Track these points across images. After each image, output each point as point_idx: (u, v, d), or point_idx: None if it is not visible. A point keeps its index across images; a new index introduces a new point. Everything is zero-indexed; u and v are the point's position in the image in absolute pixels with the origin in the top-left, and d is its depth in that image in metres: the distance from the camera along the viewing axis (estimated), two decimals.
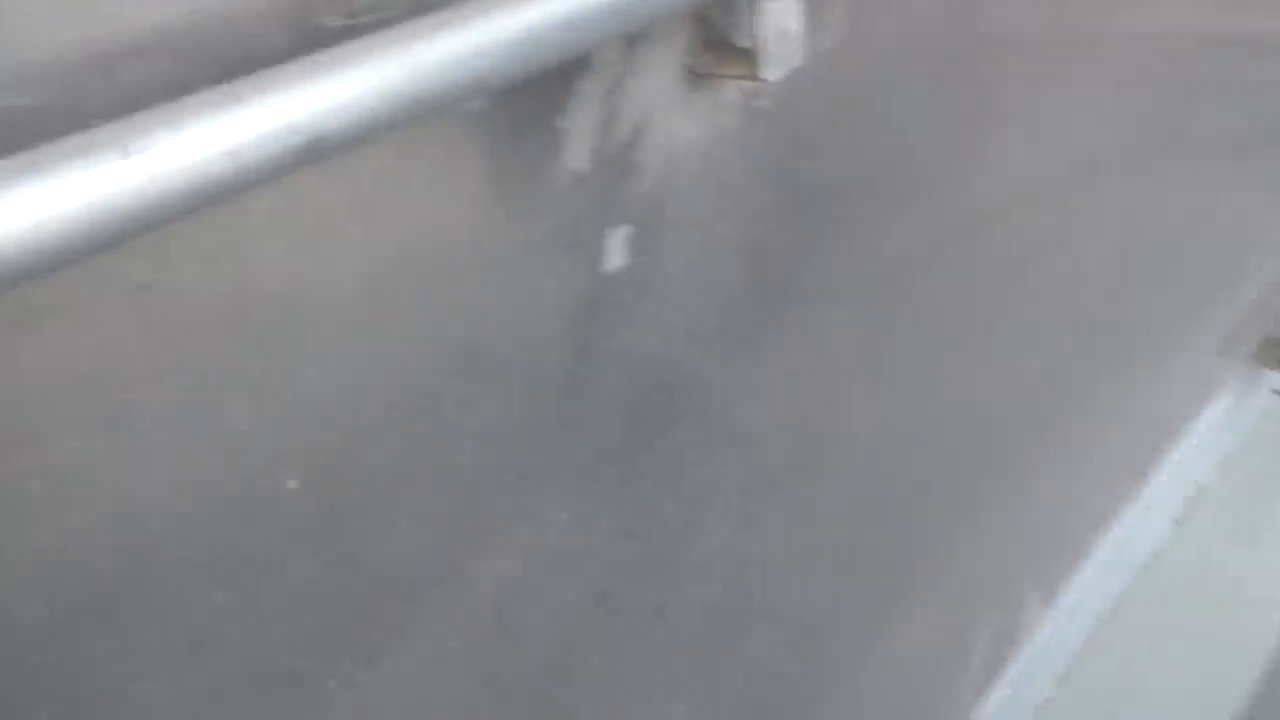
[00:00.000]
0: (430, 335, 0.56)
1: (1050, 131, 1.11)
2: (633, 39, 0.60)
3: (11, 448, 0.42)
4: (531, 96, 0.56)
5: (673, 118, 0.64)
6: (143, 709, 0.49)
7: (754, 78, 0.65)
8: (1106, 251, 1.34)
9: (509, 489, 0.63)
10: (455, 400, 0.58)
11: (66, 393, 0.43)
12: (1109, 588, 1.62)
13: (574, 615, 0.71)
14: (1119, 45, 1.19)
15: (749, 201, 0.73)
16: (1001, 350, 1.18)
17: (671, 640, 0.81)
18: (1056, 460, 1.39)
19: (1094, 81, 1.16)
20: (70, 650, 0.46)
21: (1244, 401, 2.01)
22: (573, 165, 0.59)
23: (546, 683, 0.71)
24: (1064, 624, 1.49)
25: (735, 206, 0.72)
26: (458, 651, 0.63)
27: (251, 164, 0.38)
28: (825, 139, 0.79)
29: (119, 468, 0.45)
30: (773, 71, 0.65)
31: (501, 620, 0.65)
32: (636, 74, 0.61)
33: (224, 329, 0.46)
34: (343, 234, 0.50)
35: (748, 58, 0.64)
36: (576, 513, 0.68)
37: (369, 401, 0.53)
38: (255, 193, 0.41)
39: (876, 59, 0.81)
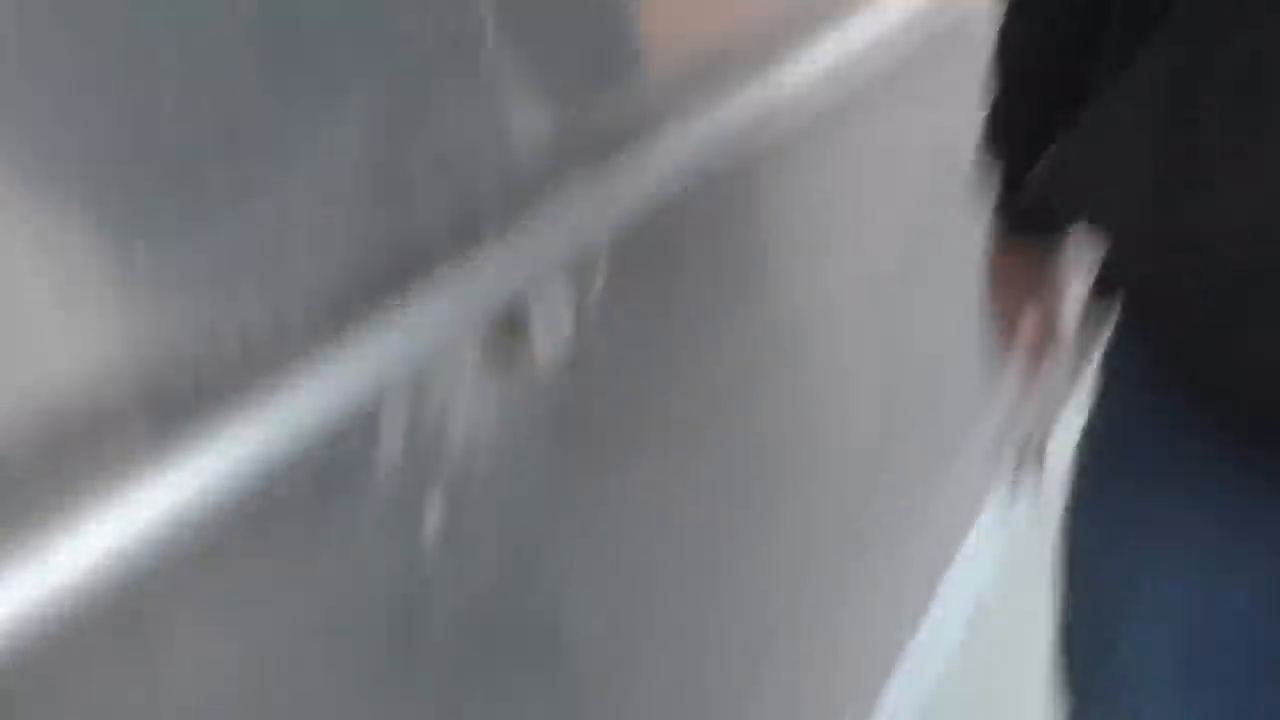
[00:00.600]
0: (282, 622, 0.65)
1: (808, 288, 1.25)
2: None
3: None
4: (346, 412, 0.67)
5: (470, 402, 0.76)
6: None
7: (534, 357, 0.78)
8: (875, 381, 1.48)
9: None
10: (311, 674, 0.67)
11: None
12: (913, 698, 1.75)
13: None
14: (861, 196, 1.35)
15: (543, 449, 0.85)
16: (798, 489, 1.30)
17: None
18: (855, 586, 1.52)
19: (844, 216, 1.30)
20: None
21: (1013, 504, 2.19)
22: (388, 459, 0.70)
23: None
24: None
25: (532, 456, 0.84)
26: None
27: (143, 557, 0.47)
28: (602, 378, 0.91)
29: None
30: (547, 350, 0.78)
31: None
32: (435, 378, 0.72)
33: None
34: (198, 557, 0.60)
35: (526, 343, 0.77)
36: None
37: (240, 683, 0.62)
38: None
39: (639, 293, 0.94)
